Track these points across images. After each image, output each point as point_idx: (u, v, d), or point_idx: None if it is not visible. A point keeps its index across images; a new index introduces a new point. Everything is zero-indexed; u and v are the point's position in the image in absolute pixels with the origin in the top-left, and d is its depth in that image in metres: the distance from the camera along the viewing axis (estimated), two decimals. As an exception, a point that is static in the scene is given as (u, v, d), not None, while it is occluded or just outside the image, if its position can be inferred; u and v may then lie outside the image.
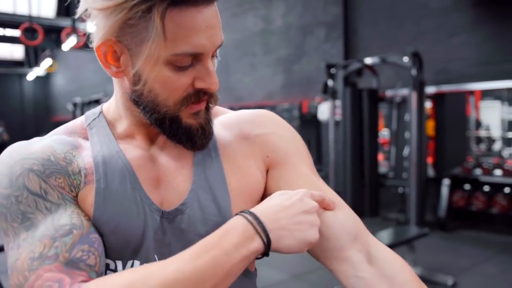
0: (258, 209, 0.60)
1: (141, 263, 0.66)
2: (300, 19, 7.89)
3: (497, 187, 5.08)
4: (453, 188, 5.36)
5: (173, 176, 0.70)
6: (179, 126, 0.66)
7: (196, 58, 0.62)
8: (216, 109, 0.78)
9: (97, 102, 10.29)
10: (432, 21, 5.93)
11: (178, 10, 0.58)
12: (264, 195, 0.73)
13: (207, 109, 0.69)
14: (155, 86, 0.63)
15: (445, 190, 5.37)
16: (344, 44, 7.09)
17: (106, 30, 0.61)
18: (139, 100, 0.65)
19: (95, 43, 0.63)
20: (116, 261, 0.66)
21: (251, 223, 0.57)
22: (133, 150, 0.70)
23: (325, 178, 6.76)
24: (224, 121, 0.77)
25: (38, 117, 19.71)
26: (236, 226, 0.57)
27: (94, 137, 0.70)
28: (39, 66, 17.88)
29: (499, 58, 5.34)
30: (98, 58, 0.64)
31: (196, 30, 0.59)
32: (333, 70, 6.06)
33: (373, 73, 6.15)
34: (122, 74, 0.65)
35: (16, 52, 19.35)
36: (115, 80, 0.69)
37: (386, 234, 3.82)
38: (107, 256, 0.65)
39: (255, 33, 8.72)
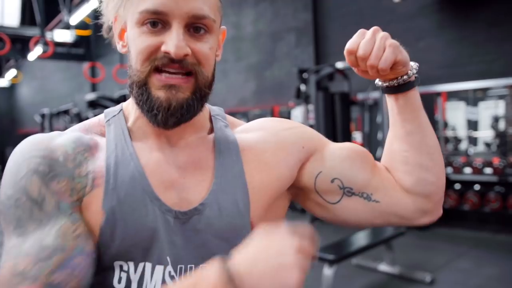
0: (236, 258, 0.51)
1: (153, 265, 0.64)
2: (270, 26, 7.97)
3: (468, 185, 5.25)
4: (425, 187, 5.50)
5: (192, 177, 0.69)
6: (148, 96, 0.64)
7: (162, 20, 0.62)
8: (235, 121, 0.80)
9: (66, 112, 10.05)
10: (399, 25, 6.10)
11: None
12: (307, 182, 0.75)
13: (195, 93, 0.66)
14: (132, 51, 0.65)
15: (418, 189, 5.51)
16: (314, 49, 7.20)
17: (111, 7, 0.68)
18: (128, 72, 0.68)
19: (109, 22, 0.71)
20: (129, 262, 0.64)
21: (224, 275, 0.49)
22: (149, 152, 0.69)
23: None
24: (245, 127, 0.78)
25: (3, 130, 19.06)
26: (209, 277, 0.50)
27: (110, 134, 0.70)
28: (3, 77, 17.34)
29: (463, 61, 5.55)
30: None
31: None
32: (305, 75, 6.15)
33: (344, 77, 6.27)
34: (126, 48, 0.68)
35: (-22, 63, 18.69)
36: None
37: (364, 234, 3.88)
38: (119, 257, 0.64)
39: (227, 40, 8.62)
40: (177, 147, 0.70)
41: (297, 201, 0.80)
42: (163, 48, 0.62)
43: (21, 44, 11.50)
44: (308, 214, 6.16)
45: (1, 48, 9.17)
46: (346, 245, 3.63)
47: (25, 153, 0.64)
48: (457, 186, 5.35)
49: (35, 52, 9.83)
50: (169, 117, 0.64)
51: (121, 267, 0.64)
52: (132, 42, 0.64)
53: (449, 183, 5.43)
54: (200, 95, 0.66)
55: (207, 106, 0.77)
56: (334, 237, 4.24)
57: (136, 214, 0.64)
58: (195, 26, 0.63)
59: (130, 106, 0.73)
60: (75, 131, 0.70)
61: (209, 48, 0.65)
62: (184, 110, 0.64)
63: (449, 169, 5.43)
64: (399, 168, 0.76)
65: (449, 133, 7.02)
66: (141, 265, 0.64)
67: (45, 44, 8.98)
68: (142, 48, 0.62)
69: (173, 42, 0.61)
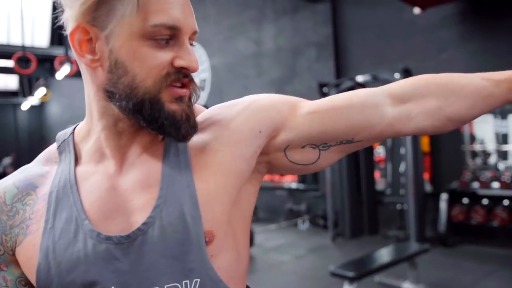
0: None
1: None
2: (291, 41, 7.99)
3: (496, 200, 5.06)
4: (451, 202, 5.33)
5: (140, 197, 0.65)
6: (161, 111, 0.62)
7: (175, 35, 0.61)
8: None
9: (91, 129, 10.30)
10: (421, 37, 6.01)
11: None
12: (277, 157, 0.71)
13: (190, 99, 0.66)
14: (133, 66, 0.60)
15: (443, 205, 5.34)
16: (335, 63, 7.16)
17: (79, 13, 0.60)
18: (115, 89, 0.62)
19: (68, 30, 0.63)
20: None
21: None
22: (93, 178, 0.67)
23: (323, 197, 6.71)
24: (199, 123, 0.71)
25: (33, 147, 19.62)
26: None
27: (61, 164, 0.70)
28: (33, 95, 17.95)
29: (488, 71, 5.40)
30: (72, 48, 0.63)
31: (173, 3, 0.61)
32: (325, 89, 6.11)
33: (365, 91, 6.20)
34: (98, 63, 0.63)
35: (10, 82, 19.43)
36: (86, 80, 0.67)
37: (387, 251, 3.77)
38: None
39: (247, 56, 8.80)
40: (128, 165, 0.68)
41: (273, 172, 0.75)
42: (179, 63, 0.61)
43: (50, 64, 11.89)
44: (329, 231, 6.05)
45: (28, 67, 9.50)
46: (368, 262, 3.53)
47: None
48: (485, 201, 5.16)
49: (62, 71, 10.12)
50: (191, 129, 0.64)
51: None
52: (135, 57, 0.60)
53: (477, 198, 5.24)
54: (192, 98, 0.67)
55: None
56: (355, 253, 4.14)
57: (68, 251, 0.62)
58: (191, 41, 0.65)
59: (86, 126, 0.70)
60: (36, 163, 0.72)
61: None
62: (195, 120, 0.66)
63: (476, 184, 5.25)
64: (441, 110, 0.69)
65: (477, 147, 6.84)
66: None
67: (70, 62, 9.25)
68: (155, 64, 0.60)
69: (191, 57, 0.62)
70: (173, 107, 0.63)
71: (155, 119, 0.62)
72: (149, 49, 0.60)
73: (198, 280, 0.62)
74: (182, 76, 0.62)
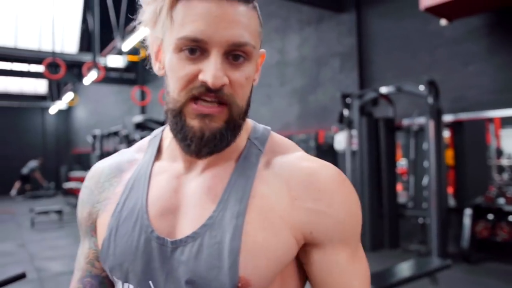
0: None
1: (135, 287, 0.68)
2: (315, 51, 8.00)
3: (522, 217, 4.92)
4: (475, 218, 5.20)
5: (196, 206, 0.66)
6: (182, 125, 0.63)
7: (202, 47, 0.60)
8: (277, 147, 0.71)
9: (115, 134, 10.49)
10: (447, 50, 5.94)
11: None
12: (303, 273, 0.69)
13: (228, 122, 0.63)
14: (169, 77, 0.64)
15: (467, 220, 5.22)
16: (359, 74, 7.14)
17: (148, 25, 0.67)
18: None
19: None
20: (118, 280, 0.70)
21: None
22: (163, 177, 0.71)
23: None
24: (278, 166, 0.67)
25: (60, 150, 20.14)
26: None
27: (146, 155, 0.76)
28: (61, 100, 18.45)
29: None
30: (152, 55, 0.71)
31: (202, 15, 0.59)
32: (348, 100, 6.08)
33: (388, 102, 6.14)
34: (163, 70, 0.68)
35: (40, 86, 20.03)
36: None
37: (408, 265, 3.71)
38: (112, 273, 0.71)
39: (271, 65, 8.85)
40: (196, 173, 0.69)
41: None
42: (200, 77, 0.60)
43: (78, 69, 12.23)
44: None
45: (57, 72, 9.78)
46: (388, 275, 3.48)
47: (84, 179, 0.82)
48: (511, 218, 5.02)
49: (89, 77, 10.39)
50: (203, 148, 0.63)
51: (117, 283, 0.71)
52: (170, 68, 0.63)
53: (503, 214, 5.11)
54: (234, 125, 0.64)
55: (252, 126, 0.73)
56: (375, 267, 4.09)
57: (125, 238, 0.69)
58: (234, 54, 0.61)
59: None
60: (131, 149, 0.81)
61: (245, 78, 0.63)
62: (218, 140, 0.63)
63: (502, 200, 5.12)
64: None
65: (504, 162, 6.67)
66: (125, 285, 0.69)
67: (97, 69, 9.50)
68: (180, 76, 0.61)
69: (210, 72, 0.59)
70: (192, 122, 0.62)
71: (177, 132, 0.64)
72: (179, 61, 0.61)
73: None
74: (203, 90, 0.60)
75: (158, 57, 0.68)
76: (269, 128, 0.75)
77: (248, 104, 0.67)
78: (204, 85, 0.60)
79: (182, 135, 0.63)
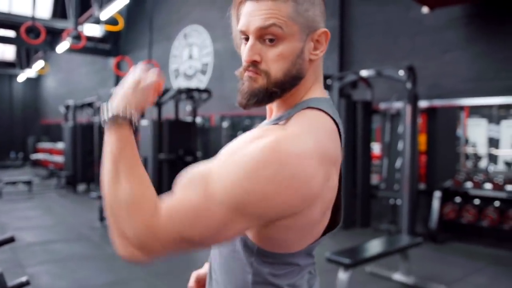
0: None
1: None
2: (296, 31, 8.01)
3: (487, 201, 5.18)
4: (444, 200, 5.45)
5: None
6: (240, 85, 0.83)
7: (247, 36, 0.80)
8: (291, 122, 0.78)
9: (89, 105, 10.24)
10: (426, 37, 6.08)
11: (247, 2, 0.80)
12: None
13: (261, 87, 0.80)
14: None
15: (436, 202, 5.46)
16: (339, 56, 7.21)
17: (236, 26, 0.87)
18: None
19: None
20: None
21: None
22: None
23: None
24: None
25: (27, 119, 19.50)
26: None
27: None
28: (30, 68, 17.77)
29: (490, 75, 5.50)
30: None
31: (244, 13, 0.80)
32: (328, 81, 6.16)
33: (367, 86, 6.27)
34: None
35: (7, 53, 19.19)
36: None
37: (379, 242, 3.87)
38: None
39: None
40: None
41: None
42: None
43: (51, 36, 11.77)
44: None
45: (36, 37, 9.40)
46: (362, 251, 3.63)
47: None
48: (477, 201, 5.28)
49: (64, 45, 10.04)
50: (241, 99, 0.81)
51: None
52: (241, 51, 0.85)
53: (470, 198, 5.37)
54: (266, 90, 0.79)
55: (305, 100, 0.82)
56: (348, 243, 4.25)
57: None
58: (269, 38, 0.77)
59: None
60: None
61: (278, 55, 0.77)
62: (251, 97, 0.80)
63: (469, 184, 5.37)
64: None
65: (469, 149, 6.96)
66: None
67: (78, 37, 9.17)
68: (243, 55, 0.82)
69: (244, 52, 0.80)
70: (242, 84, 0.82)
71: (238, 90, 0.84)
72: (242, 45, 0.83)
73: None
74: (247, 65, 0.80)
75: (239, 45, 0.86)
76: (318, 106, 0.80)
77: (289, 76, 0.79)
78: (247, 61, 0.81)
79: (239, 92, 0.83)
